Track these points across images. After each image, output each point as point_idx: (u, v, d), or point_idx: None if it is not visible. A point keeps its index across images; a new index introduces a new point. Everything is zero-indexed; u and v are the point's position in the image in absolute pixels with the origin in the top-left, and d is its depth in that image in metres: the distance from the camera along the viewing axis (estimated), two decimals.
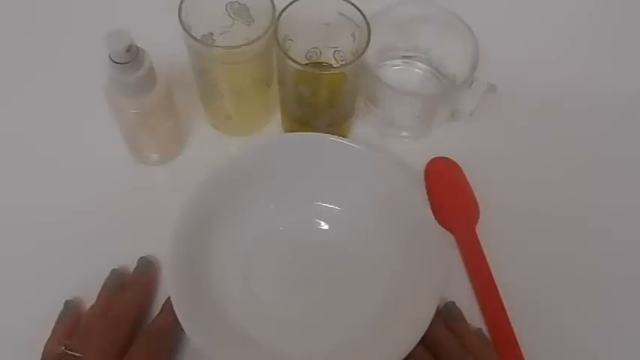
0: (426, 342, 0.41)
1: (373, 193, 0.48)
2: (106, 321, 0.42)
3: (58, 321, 0.44)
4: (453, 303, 0.46)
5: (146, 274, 0.46)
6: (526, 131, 0.55)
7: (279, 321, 0.45)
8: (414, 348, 0.40)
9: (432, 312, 0.41)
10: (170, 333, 0.43)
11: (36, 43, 0.58)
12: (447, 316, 0.45)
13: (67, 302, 0.45)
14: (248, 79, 0.48)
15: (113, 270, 0.46)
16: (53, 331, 0.43)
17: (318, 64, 0.51)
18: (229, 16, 0.48)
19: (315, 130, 0.49)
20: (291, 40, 0.47)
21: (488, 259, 0.48)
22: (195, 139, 0.53)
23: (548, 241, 0.50)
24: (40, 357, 0.42)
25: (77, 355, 0.40)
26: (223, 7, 0.47)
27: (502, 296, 0.47)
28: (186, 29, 0.43)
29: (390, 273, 0.46)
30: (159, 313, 0.44)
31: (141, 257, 0.47)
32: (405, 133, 0.55)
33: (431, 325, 0.41)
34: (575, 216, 0.51)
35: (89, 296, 0.45)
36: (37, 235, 0.49)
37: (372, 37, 0.44)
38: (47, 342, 0.42)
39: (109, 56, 0.41)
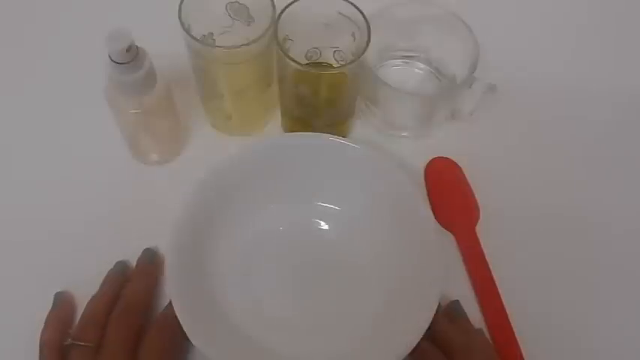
0: (432, 337, 0.42)
1: (373, 193, 0.48)
2: (118, 310, 0.42)
3: (51, 312, 0.44)
4: (458, 302, 0.46)
5: (154, 263, 0.47)
6: (526, 131, 0.55)
7: (279, 321, 0.45)
8: (420, 342, 0.40)
9: (432, 312, 0.41)
10: None
11: (36, 43, 0.58)
12: (451, 313, 0.45)
13: (56, 294, 0.45)
14: (248, 79, 0.48)
15: (118, 262, 0.46)
16: (46, 322, 0.43)
17: (318, 64, 0.51)
18: (229, 16, 0.48)
19: (315, 130, 0.49)
20: (291, 40, 0.47)
21: (488, 260, 0.48)
22: (195, 139, 0.53)
23: (549, 241, 0.50)
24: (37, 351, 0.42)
25: (82, 344, 0.40)
26: (223, 7, 0.47)
27: (502, 296, 0.47)
28: (186, 29, 0.43)
29: (390, 273, 0.46)
30: (169, 304, 0.44)
31: (147, 248, 0.47)
32: (405, 133, 0.55)
33: (437, 320, 0.41)
34: (576, 216, 0.51)
35: (88, 294, 0.45)
36: (37, 234, 0.49)
37: (372, 37, 0.44)
38: (42, 333, 0.42)
39: (109, 56, 0.41)
